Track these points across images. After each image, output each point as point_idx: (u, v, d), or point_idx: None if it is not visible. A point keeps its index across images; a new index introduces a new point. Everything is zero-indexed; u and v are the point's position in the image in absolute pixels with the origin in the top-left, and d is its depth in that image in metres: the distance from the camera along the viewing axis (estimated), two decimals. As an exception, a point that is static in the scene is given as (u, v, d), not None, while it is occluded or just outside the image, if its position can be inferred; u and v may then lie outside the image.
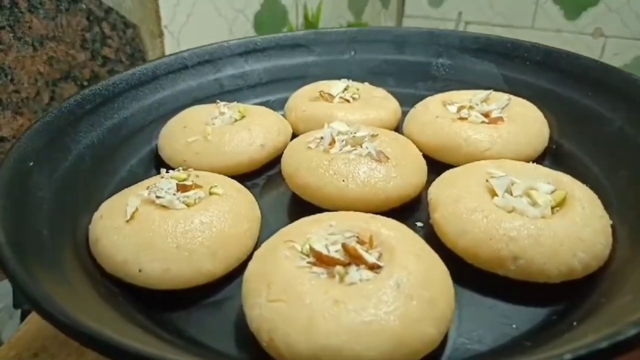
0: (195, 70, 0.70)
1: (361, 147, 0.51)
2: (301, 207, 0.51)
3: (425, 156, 0.57)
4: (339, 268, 0.37)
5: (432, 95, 0.68)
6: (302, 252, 0.38)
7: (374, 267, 0.37)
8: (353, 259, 0.37)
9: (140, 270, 0.40)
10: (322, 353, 0.32)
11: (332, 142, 0.52)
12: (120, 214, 0.43)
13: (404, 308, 0.33)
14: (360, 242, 0.40)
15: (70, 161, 0.51)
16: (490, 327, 0.39)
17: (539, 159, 0.57)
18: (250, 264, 0.40)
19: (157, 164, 0.60)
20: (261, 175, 0.59)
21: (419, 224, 0.50)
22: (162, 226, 0.42)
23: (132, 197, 0.44)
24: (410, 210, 0.51)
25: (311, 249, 0.38)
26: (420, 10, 1.36)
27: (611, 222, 0.44)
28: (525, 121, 0.57)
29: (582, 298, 0.39)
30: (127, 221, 0.42)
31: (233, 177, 0.55)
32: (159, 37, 0.88)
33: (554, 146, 0.59)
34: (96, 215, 0.45)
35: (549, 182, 0.46)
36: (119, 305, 0.39)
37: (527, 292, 0.40)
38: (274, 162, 0.61)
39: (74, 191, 0.49)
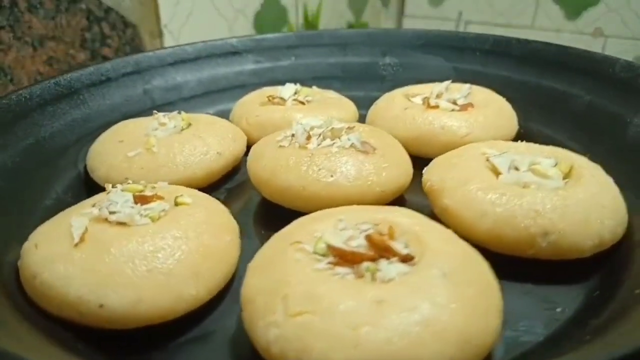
0: (121, 83, 0.60)
1: (340, 139, 0.45)
2: (277, 217, 0.43)
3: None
4: (367, 264, 0.30)
5: (381, 96, 0.64)
6: (315, 253, 0.31)
7: (407, 259, 0.31)
8: (381, 251, 0.31)
9: (101, 306, 0.30)
10: (378, 365, 0.25)
11: (308, 137, 0.45)
12: (63, 238, 0.33)
13: (462, 299, 0.27)
14: (385, 236, 0.33)
15: (-21, 188, 0.40)
16: (535, 314, 0.34)
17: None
18: (248, 280, 0.31)
19: (90, 188, 0.50)
20: (219, 189, 0.51)
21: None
22: (125, 246, 0.32)
23: (76, 217, 0.34)
24: (399, 202, 0.46)
25: (329, 246, 0.31)
26: (421, 10, 1.35)
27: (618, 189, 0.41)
28: (495, 105, 0.55)
29: (614, 269, 0.36)
30: (76, 245, 0.32)
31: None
32: (158, 36, 0.86)
33: (522, 130, 0.57)
34: (27, 245, 0.35)
35: (546, 155, 0.44)
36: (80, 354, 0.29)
37: (558, 272, 0.37)
38: (231, 173, 0.53)
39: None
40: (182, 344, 0.33)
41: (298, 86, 0.63)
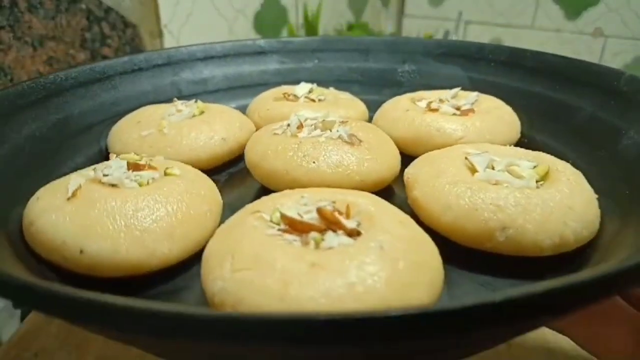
0: (152, 73, 0.66)
1: (331, 131, 0.48)
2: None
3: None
4: (314, 234, 0.32)
5: (396, 99, 0.67)
6: (271, 221, 0.34)
7: (353, 233, 0.33)
8: (330, 224, 0.33)
9: (81, 252, 0.35)
10: (299, 321, 0.27)
11: (300, 127, 0.48)
12: (60, 193, 0.38)
13: (390, 270, 0.29)
14: (337, 212, 0.36)
15: (6, 150, 0.45)
16: (474, 290, 0.35)
17: (512, 153, 0.56)
18: (210, 242, 0.35)
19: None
20: (222, 173, 0.54)
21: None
22: (109, 203, 0.36)
23: (74, 177, 0.39)
24: (383, 195, 0.47)
25: (282, 215, 0.33)
26: (420, 10, 1.36)
27: (597, 196, 0.41)
28: (497, 112, 0.55)
29: (568, 271, 0.36)
30: (69, 199, 0.37)
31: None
32: (158, 36, 0.87)
33: (526, 140, 0.57)
34: (32, 198, 0.39)
35: (529, 159, 0.44)
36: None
37: (517, 268, 0.37)
38: (237, 159, 0.57)
39: (5, 182, 0.43)
40: (152, 295, 0.36)
41: (314, 85, 0.67)
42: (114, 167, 0.40)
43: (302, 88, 0.64)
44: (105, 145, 0.56)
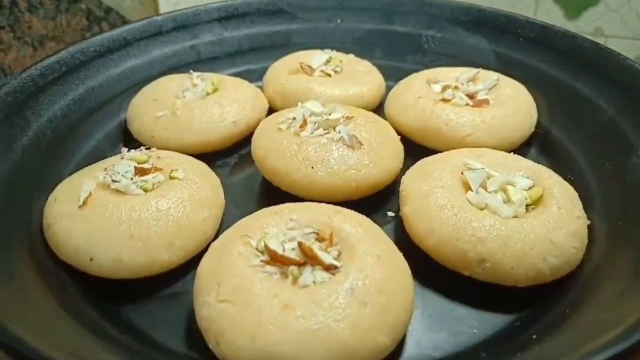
0: (170, 37, 0.66)
1: (334, 130, 0.48)
2: (270, 191, 0.49)
3: (405, 139, 0.55)
4: (292, 268, 0.35)
5: (419, 70, 0.65)
6: (257, 249, 0.37)
7: (330, 268, 0.35)
8: (309, 258, 0.35)
9: (91, 259, 0.39)
10: (268, 360, 0.31)
11: (304, 124, 0.49)
12: (73, 198, 0.41)
13: (355, 316, 0.32)
14: (320, 239, 0.38)
15: (29, 137, 0.48)
16: (450, 331, 0.37)
17: (524, 146, 0.55)
18: (204, 258, 0.38)
19: (126, 138, 0.58)
20: (233, 155, 0.56)
21: (390, 213, 0.48)
22: (116, 213, 0.40)
23: (86, 181, 0.42)
24: (383, 197, 0.49)
25: (266, 246, 0.36)
26: None
27: (589, 222, 0.41)
28: (512, 105, 0.53)
29: (548, 305, 0.38)
30: (80, 207, 0.40)
31: (204, 154, 0.53)
32: None
33: (542, 132, 0.56)
34: (50, 197, 0.43)
35: (529, 176, 0.44)
36: (67, 298, 0.37)
37: (494, 295, 0.39)
38: (248, 139, 0.58)
39: (31, 170, 0.46)
40: (152, 299, 0.40)
41: (333, 53, 0.65)
42: (122, 172, 0.42)
43: (319, 58, 0.63)
44: (124, 119, 0.59)
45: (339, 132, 0.47)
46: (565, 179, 0.49)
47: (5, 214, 0.41)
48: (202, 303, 0.35)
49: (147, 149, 0.48)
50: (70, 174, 0.48)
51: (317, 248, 0.36)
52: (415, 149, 0.54)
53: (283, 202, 0.43)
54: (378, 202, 0.48)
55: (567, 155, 0.52)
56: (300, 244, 0.36)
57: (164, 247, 0.40)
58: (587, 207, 0.44)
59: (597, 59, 0.53)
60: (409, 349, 0.36)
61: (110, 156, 0.50)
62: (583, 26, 0.87)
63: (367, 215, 0.46)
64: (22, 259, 0.38)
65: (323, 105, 0.51)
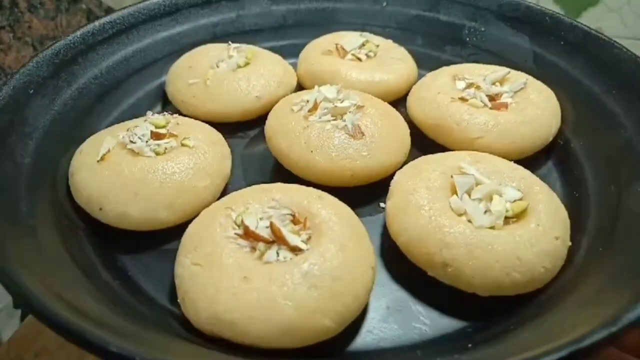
0: (219, 6, 0.69)
1: (342, 117, 0.50)
2: (279, 167, 0.52)
3: (420, 133, 0.56)
4: (261, 244, 0.38)
5: (457, 62, 0.64)
6: (235, 222, 0.40)
7: (295, 250, 0.38)
8: (277, 238, 0.38)
9: (100, 209, 0.44)
10: (219, 324, 0.35)
11: (314, 108, 0.51)
12: (95, 152, 0.47)
13: (304, 297, 0.35)
14: (295, 221, 0.41)
15: (73, 90, 0.54)
16: (403, 325, 0.39)
17: (542, 154, 0.54)
18: (193, 222, 0.42)
19: (164, 100, 0.63)
20: (255, 128, 0.59)
21: (383, 204, 0.49)
22: (126, 171, 0.45)
23: (108, 138, 0.47)
24: (380, 188, 0.50)
25: (242, 221, 0.39)
26: None
27: (570, 244, 0.41)
28: (532, 112, 0.52)
29: (503, 318, 0.38)
30: (98, 161, 0.46)
31: (227, 124, 0.57)
32: None
33: (562, 142, 0.54)
34: (78, 150, 0.49)
35: (520, 188, 0.44)
36: (75, 241, 0.43)
37: (456, 298, 0.40)
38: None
39: (70, 121, 0.52)
40: (151, 252, 0.45)
41: (371, 36, 0.66)
42: (139, 134, 0.47)
43: (354, 41, 0.64)
44: (164, 81, 0.64)
45: (344, 120, 0.49)
46: (571, 195, 0.49)
47: (39, 159, 0.47)
48: (179, 262, 0.39)
49: (170, 114, 0.52)
50: (108, 126, 0.54)
51: (286, 229, 0.39)
52: (429, 144, 0.55)
53: (288, 179, 0.47)
54: (375, 192, 0.50)
55: (579, 170, 0.50)
56: (271, 223, 0.39)
57: (164, 206, 0.44)
58: (578, 228, 0.44)
59: (631, 74, 0.51)
60: (360, 335, 0.39)
61: (147, 113, 0.55)
62: None
63: (361, 204, 0.49)
64: (45, 201, 0.44)
65: (339, 92, 0.53)
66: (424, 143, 0.55)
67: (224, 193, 0.49)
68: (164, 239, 0.45)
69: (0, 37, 0.66)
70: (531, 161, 0.52)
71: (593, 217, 0.45)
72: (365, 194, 0.49)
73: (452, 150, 0.52)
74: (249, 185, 0.45)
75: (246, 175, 0.53)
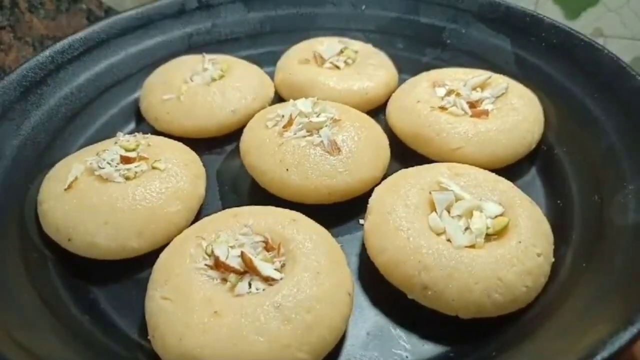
0: (193, 15, 0.68)
1: (317, 132, 0.48)
2: (254, 185, 0.50)
3: (400, 142, 0.54)
4: (232, 276, 0.37)
5: (438, 65, 0.63)
6: (206, 252, 0.39)
7: (268, 280, 0.37)
8: (249, 268, 0.37)
9: (69, 240, 0.43)
10: (189, 362, 0.34)
11: (289, 124, 0.49)
12: (63, 179, 0.45)
13: (276, 331, 0.34)
14: (269, 248, 0.39)
15: (43, 112, 0.53)
16: (383, 352, 0.38)
17: (526, 161, 0.53)
18: (164, 252, 0.41)
19: (138, 115, 0.61)
20: (232, 142, 0.58)
21: (362, 221, 0.48)
22: (95, 200, 0.43)
23: (76, 165, 0.46)
24: (359, 204, 0.49)
25: (212, 251, 0.38)
26: None
27: (553, 260, 0.40)
28: (513, 119, 0.51)
29: (486, 342, 0.37)
30: (65, 189, 0.44)
31: (203, 140, 0.56)
32: None
33: (545, 148, 0.53)
34: (47, 175, 0.47)
35: (501, 202, 0.43)
36: (44, 273, 0.41)
37: (437, 322, 0.39)
38: (249, 127, 0.60)
39: (40, 144, 0.51)
40: (122, 281, 0.44)
41: (350, 42, 0.65)
42: (108, 159, 0.46)
43: (332, 49, 0.63)
44: (139, 96, 0.62)
45: (320, 136, 0.48)
46: (555, 204, 0.48)
47: (6, 188, 0.45)
48: (149, 296, 0.38)
49: (143, 133, 0.51)
50: (80, 148, 0.52)
51: (258, 259, 0.37)
52: (409, 154, 0.53)
53: (265, 196, 0.45)
54: (353, 208, 0.48)
55: (562, 178, 0.49)
56: (242, 253, 0.37)
57: (134, 235, 0.43)
58: (562, 239, 0.43)
59: (612, 77, 0.49)
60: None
61: (121, 129, 0.54)
62: (582, 26, 0.84)
63: (340, 222, 0.48)
64: (12, 232, 0.43)
65: (314, 104, 0.51)
66: (404, 153, 0.53)
67: (198, 215, 0.47)
68: (137, 267, 0.44)
69: (1, 37, 0.65)
70: (514, 168, 0.51)
71: (577, 229, 0.43)
72: (343, 211, 0.48)
73: (432, 160, 0.50)
74: (225, 206, 0.43)
75: (222, 194, 0.52)
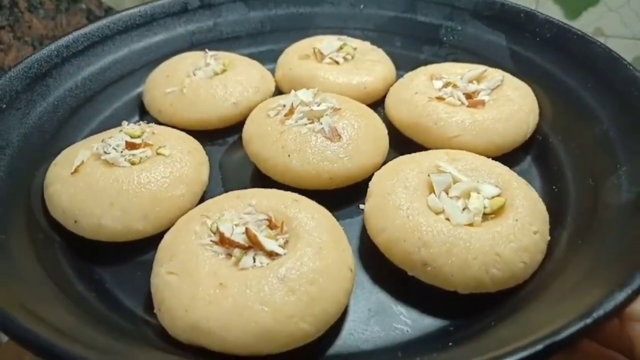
0: (195, 14, 0.69)
1: (318, 120, 0.50)
2: (258, 172, 0.51)
3: (398, 133, 0.56)
4: (236, 251, 0.38)
5: (435, 61, 0.64)
6: (210, 229, 0.40)
7: (271, 254, 0.38)
8: (253, 243, 0.38)
9: (75, 222, 0.44)
10: (196, 333, 0.34)
11: (291, 113, 0.51)
12: (69, 164, 0.46)
13: (280, 301, 0.34)
14: (272, 226, 0.40)
15: (48, 104, 0.54)
16: (384, 327, 0.39)
17: (521, 150, 0.54)
18: (169, 231, 0.41)
19: (141, 110, 0.62)
20: (234, 134, 0.59)
21: (362, 206, 0.49)
22: (101, 183, 0.44)
23: (82, 150, 0.47)
24: (360, 189, 0.50)
25: (217, 228, 0.39)
26: None
27: (549, 238, 0.41)
28: (509, 109, 0.52)
29: (485, 315, 0.38)
30: (72, 173, 0.45)
31: (206, 132, 0.57)
32: None
33: (540, 137, 0.54)
34: (53, 162, 0.48)
35: (498, 184, 0.44)
36: (50, 255, 0.42)
37: (436, 298, 0.40)
38: (251, 120, 0.61)
39: (46, 134, 0.52)
40: (127, 263, 0.44)
41: (349, 39, 0.66)
42: (114, 144, 0.47)
43: (332, 45, 0.64)
44: (142, 91, 0.63)
45: (321, 123, 0.49)
46: (550, 190, 0.49)
47: (13, 174, 0.46)
48: (155, 272, 0.38)
49: (147, 123, 0.52)
50: (83, 139, 0.53)
51: (262, 234, 0.38)
52: (407, 144, 0.54)
53: (267, 185, 0.46)
54: (353, 194, 0.49)
55: (558, 165, 0.50)
56: (247, 229, 0.38)
57: (139, 217, 0.44)
58: (558, 222, 0.44)
59: (605, 67, 0.51)
60: (341, 338, 0.38)
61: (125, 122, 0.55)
62: (583, 26, 0.86)
63: (340, 206, 0.49)
64: (19, 215, 0.44)
65: (315, 95, 0.52)
66: (402, 143, 0.54)
67: (201, 201, 0.48)
68: (141, 249, 0.45)
69: (0, 37, 0.66)
70: (510, 157, 0.52)
71: (572, 211, 0.44)
72: (344, 197, 0.49)
73: (430, 149, 0.52)
74: (227, 192, 0.44)
75: (224, 182, 0.53)
